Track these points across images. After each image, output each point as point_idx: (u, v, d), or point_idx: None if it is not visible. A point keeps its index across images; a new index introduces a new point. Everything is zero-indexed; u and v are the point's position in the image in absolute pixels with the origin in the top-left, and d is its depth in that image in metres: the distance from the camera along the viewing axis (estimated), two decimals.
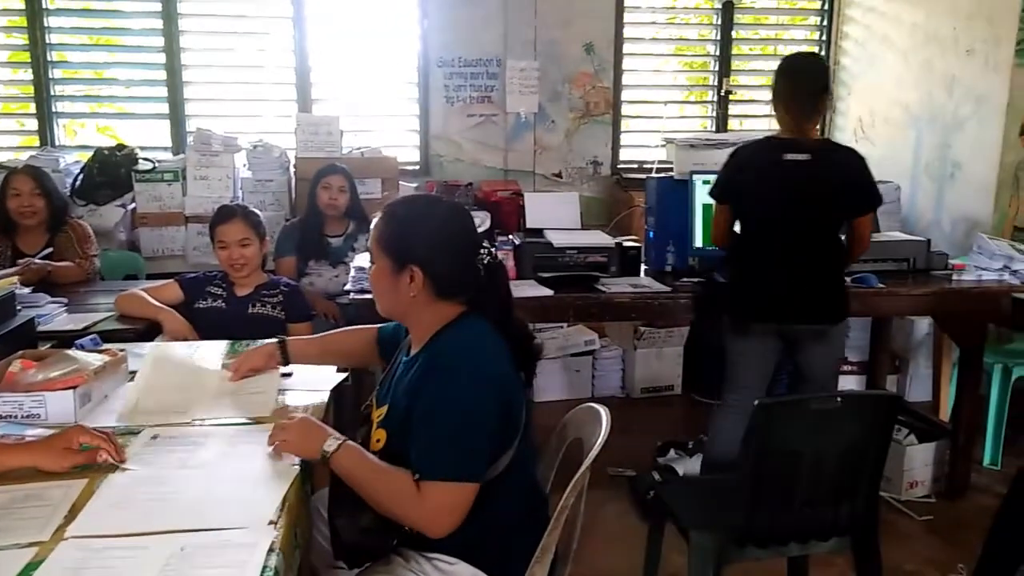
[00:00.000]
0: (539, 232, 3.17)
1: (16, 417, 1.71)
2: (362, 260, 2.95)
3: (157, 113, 4.43)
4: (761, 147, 2.68)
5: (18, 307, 2.26)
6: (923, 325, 4.03)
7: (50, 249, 3.24)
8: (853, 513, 1.99)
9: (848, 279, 2.87)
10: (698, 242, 3.11)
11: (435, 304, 1.60)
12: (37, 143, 4.31)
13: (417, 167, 4.62)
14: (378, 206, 1.72)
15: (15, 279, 2.36)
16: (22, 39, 4.25)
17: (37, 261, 3.12)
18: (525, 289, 2.86)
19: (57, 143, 4.34)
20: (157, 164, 3.99)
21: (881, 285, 2.96)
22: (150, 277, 3.50)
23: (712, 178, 3.09)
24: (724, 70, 4.89)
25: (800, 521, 1.98)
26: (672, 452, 3.22)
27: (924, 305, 3.10)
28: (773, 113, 2.69)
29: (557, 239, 3.06)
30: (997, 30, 3.84)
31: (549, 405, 4.02)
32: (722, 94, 4.90)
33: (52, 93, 4.33)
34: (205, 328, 2.59)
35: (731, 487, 2.00)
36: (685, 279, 3.06)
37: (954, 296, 3.06)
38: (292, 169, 4.06)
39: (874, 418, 1.94)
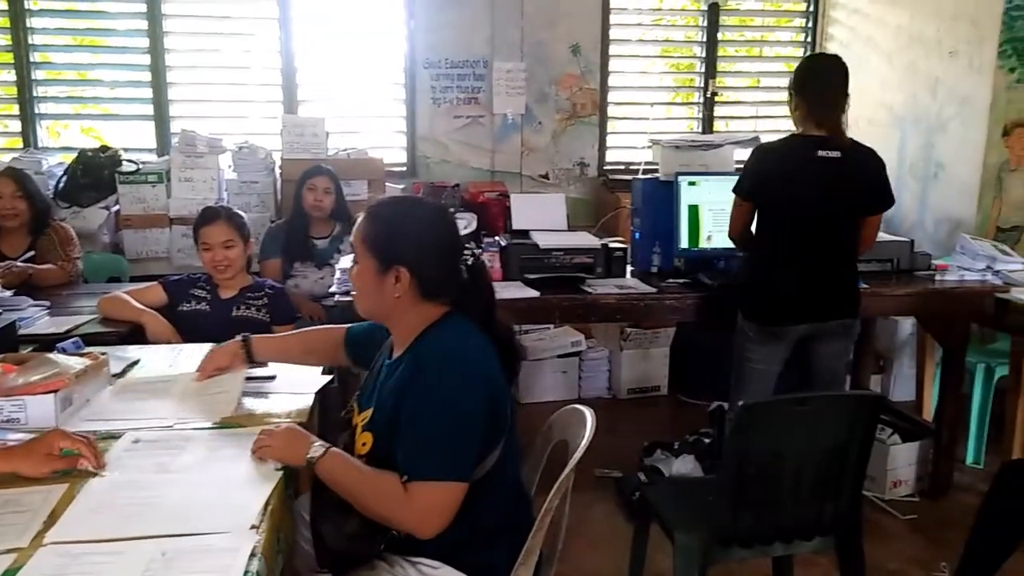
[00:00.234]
0: (525, 234, 3.17)
1: None
2: (347, 262, 2.93)
3: (141, 114, 4.41)
4: (791, 145, 2.68)
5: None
6: (907, 325, 4.06)
7: (32, 252, 3.22)
8: (836, 513, 2.00)
9: None
10: (684, 243, 3.11)
11: (419, 305, 1.59)
12: (20, 145, 4.28)
13: (404, 168, 4.61)
14: (364, 207, 1.71)
15: None
16: (5, 40, 4.22)
17: (19, 264, 3.10)
18: (511, 290, 2.86)
19: (40, 145, 4.30)
20: (141, 166, 3.97)
21: (865, 285, 2.97)
22: (134, 279, 3.48)
23: (698, 179, 3.13)
24: (710, 71, 4.91)
25: (784, 521, 1.99)
26: (658, 453, 3.23)
27: (907, 305, 3.12)
28: (792, 112, 2.68)
29: (543, 240, 3.05)
30: (980, 32, 3.87)
31: (536, 406, 4.03)
32: (708, 95, 4.92)
33: (35, 94, 4.30)
34: (189, 331, 2.57)
35: (716, 488, 2.01)
36: (671, 280, 3.06)
37: (937, 296, 3.08)
38: (278, 170, 4.04)
39: (857, 418, 1.95)
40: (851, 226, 2.69)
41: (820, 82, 2.63)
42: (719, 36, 4.91)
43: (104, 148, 4.06)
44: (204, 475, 1.51)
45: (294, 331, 2.10)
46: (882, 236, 3.43)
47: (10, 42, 4.21)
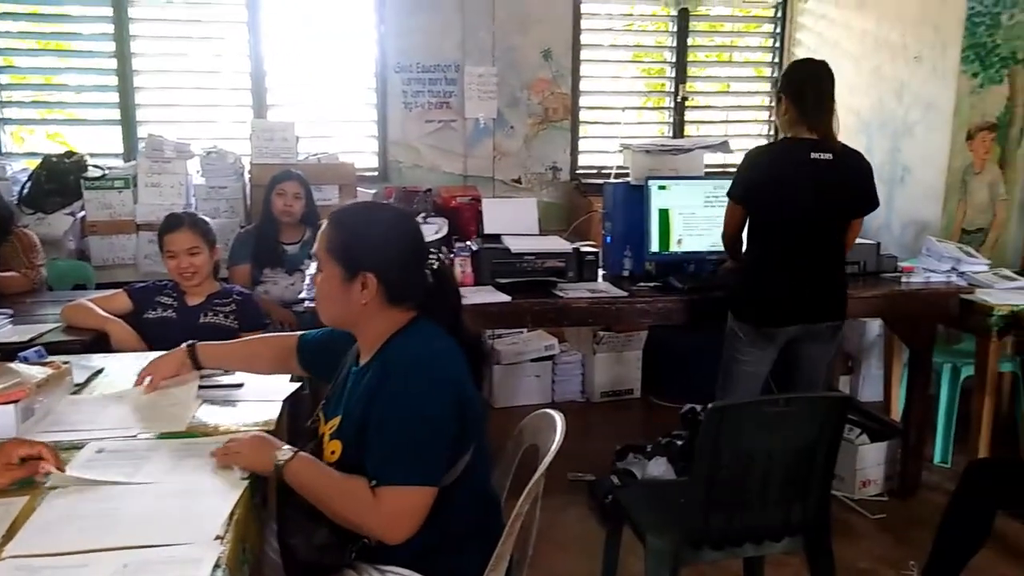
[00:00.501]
0: (497, 238, 3.16)
1: None
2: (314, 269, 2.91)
3: (108, 119, 4.35)
4: (784, 148, 2.72)
5: None
6: (874, 326, 4.11)
7: None
8: (805, 513, 2.02)
9: None
10: (654, 247, 3.13)
11: (386, 311, 1.58)
12: None
13: (375, 173, 4.60)
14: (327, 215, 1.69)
15: None
16: None
17: None
18: (483, 295, 2.86)
19: (4, 150, 4.23)
20: (108, 171, 3.91)
21: None
22: (100, 287, 3.43)
23: (668, 183, 3.15)
24: (680, 76, 4.95)
25: (754, 522, 2.00)
26: (631, 456, 3.23)
27: (874, 307, 3.16)
28: (781, 116, 2.71)
29: (515, 245, 3.05)
30: (943, 37, 3.94)
31: (509, 411, 4.02)
32: (678, 100, 4.95)
33: None
34: (155, 339, 2.53)
35: (687, 490, 2.01)
36: (642, 284, 3.07)
37: (903, 298, 3.12)
38: (247, 175, 4.01)
39: (825, 419, 1.96)
40: (841, 228, 2.73)
41: (812, 85, 2.65)
42: (689, 42, 4.95)
43: (70, 153, 3.99)
44: (169, 485, 1.48)
45: (243, 339, 2.08)
46: None
47: None
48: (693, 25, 4.95)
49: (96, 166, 3.94)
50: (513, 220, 3.31)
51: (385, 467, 1.45)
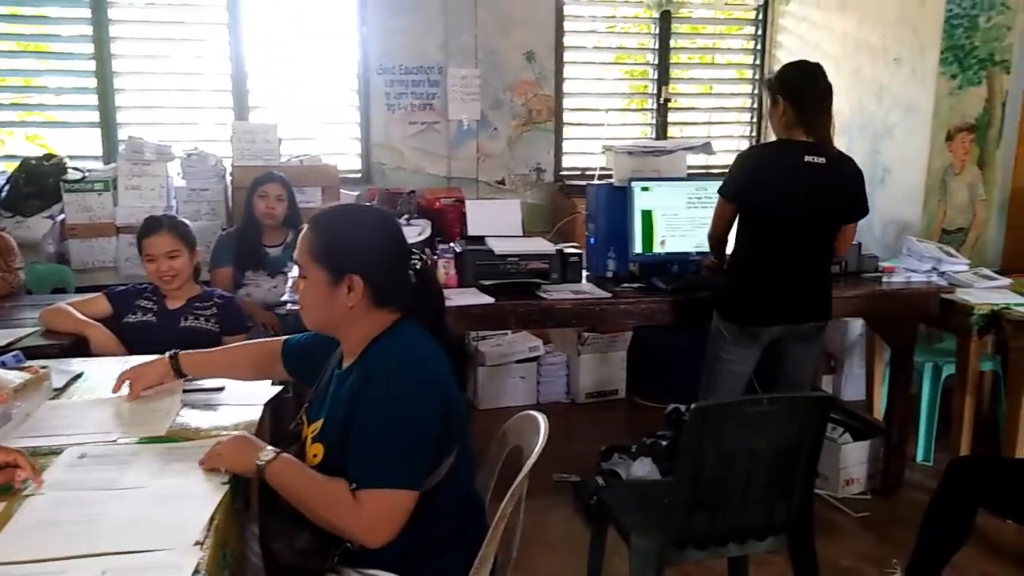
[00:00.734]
0: (480, 240, 3.16)
1: None
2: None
3: (87, 121, 4.31)
4: (779, 150, 2.71)
5: None
6: (857, 326, 4.14)
7: None
8: (789, 512, 2.02)
9: None
10: (638, 248, 3.13)
11: (371, 313, 1.58)
12: None
13: (359, 175, 4.58)
14: (308, 219, 1.68)
15: None
16: None
17: None
18: (467, 297, 2.85)
19: None
20: (87, 173, 3.88)
21: None
22: (80, 290, 3.39)
23: (651, 184, 3.16)
24: (663, 78, 4.96)
25: (738, 522, 2.00)
26: (616, 456, 3.24)
27: (856, 307, 3.18)
28: (778, 118, 2.68)
29: (498, 246, 3.05)
30: (922, 39, 3.97)
31: (494, 412, 4.02)
32: (661, 102, 4.97)
33: None
34: (135, 343, 2.51)
35: (671, 490, 2.02)
36: (626, 285, 3.08)
37: (884, 298, 3.15)
38: (228, 178, 3.98)
39: (807, 418, 1.97)
40: (831, 232, 2.74)
41: (813, 89, 2.64)
42: (671, 43, 4.97)
43: (49, 156, 3.95)
44: (150, 490, 1.47)
45: (227, 346, 2.06)
46: None
47: None
48: (675, 27, 4.97)
49: (76, 168, 3.91)
50: (497, 222, 3.31)
51: (366, 469, 1.44)
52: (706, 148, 3.39)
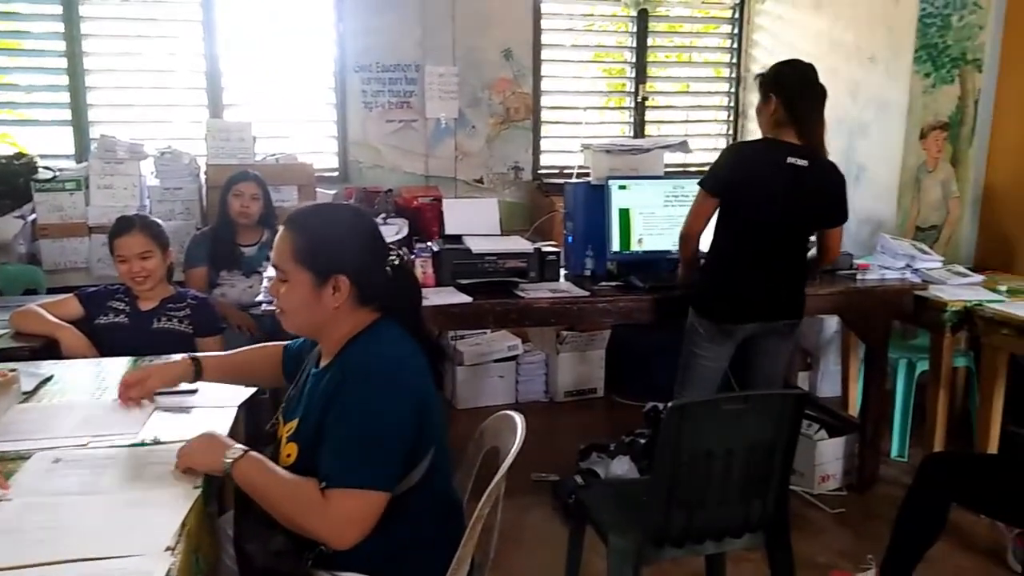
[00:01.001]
0: (458, 239, 3.15)
1: None
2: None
3: (59, 120, 4.24)
4: (764, 148, 2.70)
5: None
6: (832, 323, 4.17)
7: None
8: (765, 509, 2.03)
9: None
10: (615, 246, 3.14)
11: (355, 312, 1.57)
12: None
13: (336, 173, 4.55)
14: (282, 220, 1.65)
15: None
16: None
17: None
18: (444, 296, 2.84)
19: None
20: (58, 173, 3.81)
21: None
22: (52, 291, 3.33)
23: (628, 183, 3.16)
24: (640, 77, 4.97)
25: (714, 519, 2.01)
26: (594, 455, 3.24)
27: (831, 304, 3.20)
28: (768, 116, 2.68)
29: (476, 245, 3.04)
30: (896, 38, 4.01)
31: (473, 411, 4.01)
32: (639, 100, 4.98)
33: None
34: (107, 345, 2.48)
35: (648, 488, 2.02)
36: (604, 283, 3.08)
37: (859, 295, 3.17)
38: (203, 176, 3.93)
39: (783, 416, 1.98)
40: (809, 234, 2.77)
41: (808, 91, 2.64)
42: (649, 42, 4.98)
43: (19, 155, 3.88)
44: (122, 495, 1.45)
45: (238, 350, 1.98)
46: None
47: None
48: (653, 26, 4.97)
49: (47, 167, 3.84)
50: (474, 220, 3.30)
51: (336, 469, 1.43)
52: (683, 147, 3.41)
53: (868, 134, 4.21)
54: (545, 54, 4.79)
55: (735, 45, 5.10)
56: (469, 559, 1.56)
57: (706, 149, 4.99)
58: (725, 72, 5.17)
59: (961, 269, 3.57)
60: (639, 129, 5.02)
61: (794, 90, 2.63)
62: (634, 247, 3.16)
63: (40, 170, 3.81)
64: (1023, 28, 3.92)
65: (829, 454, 3.23)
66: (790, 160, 2.60)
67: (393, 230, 3.16)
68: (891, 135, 4.08)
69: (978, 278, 3.49)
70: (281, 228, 1.59)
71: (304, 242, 1.54)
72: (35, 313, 2.55)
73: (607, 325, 4.18)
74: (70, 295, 2.67)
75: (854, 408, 3.81)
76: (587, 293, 2.98)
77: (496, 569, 1.73)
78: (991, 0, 3.95)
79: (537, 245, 3.16)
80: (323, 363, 1.62)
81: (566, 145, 4.87)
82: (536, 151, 4.84)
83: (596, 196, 3.17)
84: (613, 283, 3.08)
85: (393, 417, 1.47)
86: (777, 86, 2.66)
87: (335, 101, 4.51)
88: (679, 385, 2.85)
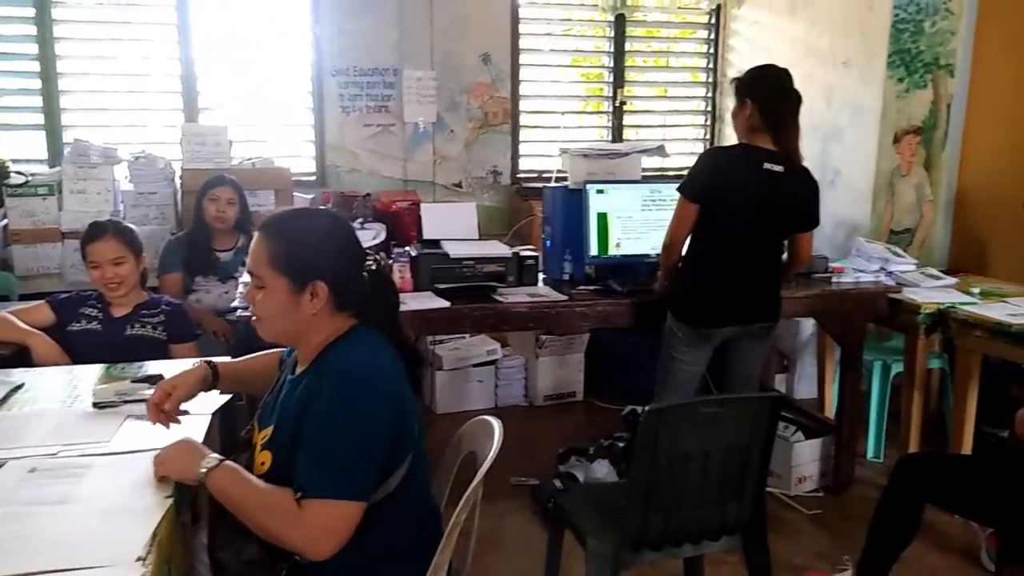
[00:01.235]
0: (436, 243, 3.14)
1: None
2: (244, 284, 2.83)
3: (31, 124, 4.18)
4: (741, 153, 2.70)
5: None
6: (808, 326, 4.20)
7: None
8: (742, 512, 2.04)
9: None
10: (593, 250, 3.14)
11: (332, 319, 1.56)
12: None
13: (313, 178, 4.52)
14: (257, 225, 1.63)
15: None
16: None
17: None
18: (422, 301, 2.83)
19: None
20: (31, 177, 3.75)
21: None
22: (24, 298, 3.28)
23: (606, 187, 3.17)
24: (618, 81, 4.99)
25: (692, 522, 2.02)
26: (573, 459, 3.24)
27: (807, 307, 3.23)
28: (743, 120, 2.69)
29: (454, 250, 3.04)
30: (870, 43, 4.05)
31: (452, 416, 3.99)
32: (617, 105, 5.00)
33: None
34: (79, 352, 2.44)
35: (626, 492, 2.02)
36: (582, 287, 3.09)
37: (834, 298, 3.20)
38: (178, 181, 3.90)
39: (758, 419, 1.99)
40: (783, 238, 2.79)
41: (784, 98, 2.65)
42: (626, 47, 5.00)
43: None
44: (93, 505, 1.43)
45: (246, 357, 1.90)
46: None
47: None
48: (630, 31, 4.99)
49: (19, 172, 3.78)
50: (452, 225, 3.30)
51: (312, 479, 1.41)
52: (660, 151, 3.42)
53: (843, 138, 4.25)
54: (523, 58, 4.80)
55: (712, 50, 5.13)
56: (446, 566, 1.55)
57: (683, 153, 5.01)
58: (702, 77, 5.20)
59: (934, 272, 3.61)
60: (617, 133, 5.04)
61: (769, 96, 2.65)
62: (612, 251, 3.16)
63: (12, 175, 3.75)
64: (994, 33, 3.99)
65: (806, 456, 3.26)
66: (766, 166, 2.62)
67: (370, 235, 3.14)
68: (865, 139, 4.12)
69: (951, 281, 3.53)
70: (256, 234, 1.57)
71: (281, 248, 1.53)
72: (6, 320, 2.51)
73: (585, 329, 4.19)
74: (42, 302, 2.64)
75: (830, 410, 3.83)
76: (565, 297, 2.98)
77: (475, 575, 1.72)
78: (963, 6, 4.00)
79: (515, 249, 3.16)
80: (299, 370, 1.60)
81: (545, 149, 4.87)
82: (515, 155, 4.84)
83: (574, 200, 3.17)
84: (591, 287, 3.08)
85: (370, 424, 1.45)
86: (752, 91, 2.67)
87: (312, 105, 4.48)
88: (659, 389, 2.86)
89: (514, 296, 2.94)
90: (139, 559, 1.23)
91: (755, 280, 2.75)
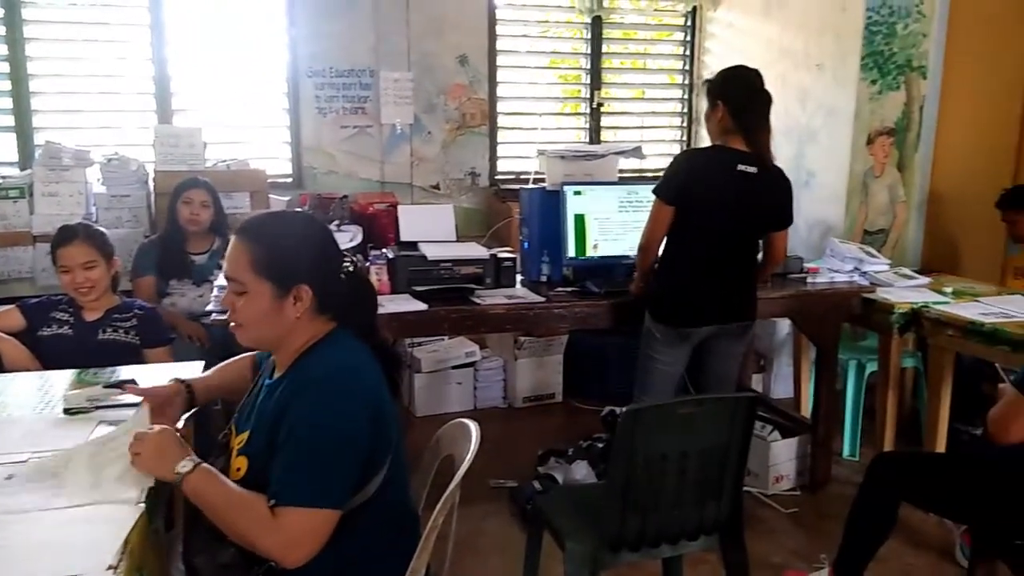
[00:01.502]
0: (413, 245, 3.13)
1: None
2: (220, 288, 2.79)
3: (2, 125, 4.11)
4: (714, 156, 2.71)
5: None
6: (785, 326, 4.24)
7: None
8: (719, 511, 2.05)
9: None
10: (571, 252, 3.14)
11: (313, 322, 1.55)
12: None
13: (290, 179, 4.49)
14: (234, 230, 1.60)
15: None
16: None
17: None
18: (399, 303, 2.82)
19: None
20: (1, 180, 3.70)
21: None
22: None
23: (583, 188, 3.17)
24: (595, 83, 5.00)
25: (670, 523, 2.02)
26: (552, 460, 3.24)
27: (783, 307, 3.25)
28: (716, 123, 2.69)
29: (431, 252, 3.02)
30: (843, 46, 4.09)
31: (432, 419, 3.98)
32: (594, 106, 5.01)
33: None
34: (50, 357, 2.41)
35: (604, 494, 2.02)
36: (560, 289, 3.09)
37: (809, 298, 3.22)
38: (151, 183, 3.85)
39: (735, 419, 2.00)
40: (759, 238, 2.81)
41: (755, 99, 2.67)
42: (603, 49, 5.01)
43: None
44: (63, 513, 1.40)
45: (216, 368, 1.88)
46: None
47: None
48: (607, 33, 5.01)
49: None
50: (430, 227, 3.29)
51: (287, 486, 1.40)
52: (636, 152, 3.43)
53: (817, 140, 4.29)
54: (500, 60, 4.80)
55: (688, 52, 5.16)
56: (423, 570, 1.54)
57: (660, 155, 5.03)
58: (678, 79, 5.23)
59: (908, 272, 3.65)
60: (595, 135, 5.05)
61: (740, 97, 2.67)
62: (590, 253, 3.17)
63: None
64: (966, 35, 4.05)
65: (782, 455, 3.28)
66: (740, 167, 2.64)
67: (347, 237, 3.13)
68: (839, 141, 4.16)
69: (924, 280, 3.57)
70: (234, 238, 1.54)
71: (263, 253, 1.50)
72: None
73: (564, 331, 4.19)
74: (12, 306, 2.60)
75: (806, 409, 3.86)
76: (543, 299, 2.98)
77: None
78: (935, 8, 4.05)
79: (493, 251, 3.15)
80: (277, 374, 1.59)
81: (522, 151, 4.88)
82: (492, 157, 4.84)
83: (551, 202, 3.17)
84: (569, 289, 3.09)
85: (347, 429, 1.44)
86: (724, 94, 2.69)
87: (288, 106, 4.46)
88: (638, 389, 2.87)
89: (492, 298, 2.94)
90: (110, 568, 1.21)
91: (731, 280, 2.77)
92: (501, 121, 4.86)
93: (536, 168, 3.65)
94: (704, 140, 5.01)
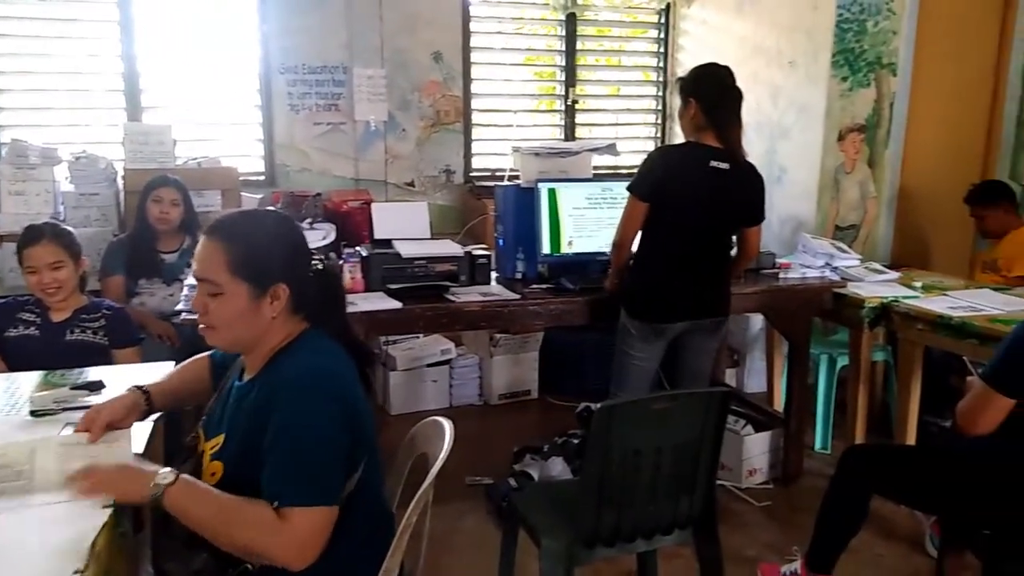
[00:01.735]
0: (387, 243, 3.12)
1: None
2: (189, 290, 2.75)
3: None
4: (688, 152, 2.73)
5: None
6: (757, 321, 4.28)
7: None
8: (693, 506, 2.07)
9: None
10: (546, 249, 3.15)
11: (287, 322, 1.53)
12: None
13: (262, 177, 4.45)
14: (204, 231, 1.57)
15: None
16: None
17: None
18: (373, 301, 2.81)
19: None
20: None
21: None
22: None
23: (557, 185, 3.17)
24: (570, 80, 5.01)
25: (644, 518, 2.03)
26: (528, 457, 3.24)
27: (755, 303, 3.28)
28: (689, 119, 2.71)
29: (405, 250, 3.01)
30: (815, 43, 4.13)
31: (407, 417, 3.96)
32: (569, 103, 5.01)
33: None
34: (17, 358, 2.37)
35: (578, 490, 2.03)
36: (535, 286, 3.09)
37: (781, 294, 3.26)
38: (120, 181, 3.80)
39: (709, 413, 2.02)
40: (732, 234, 2.84)
41: (726, 96, 2.69)
42: (578, 45, 5.02)
43: None
44: (28, 515, 1.38)
45: (171, 373, 1.85)
46: None
47: None
48: (581, 29, 5.02)
49: None
50: (404, 224, 3.27)
51: (287, 487, 1.38)
52: (611, 149, 3.44)
53: (789, 137, 4.33)
54: (475, 56, 4.78)
55: (662, 49, 5.18)
56: (397, 569, 1.54)
57: (635, 151, 5.05)
58: (653, 76, 5.25)
59: (878, 267, 3.70)
60: (570, 132, 5.06)
61: (711, 94, 2.69)
62: (564, 249, 3.17)
63: None
64: (935, 33, 4.10)
65: (756, 448, 3.31)
66: (713, 164, 2.65)
67: (320, 235, 3.11)
68: (810, 137, 4.20)
69: (894, 275, 3.62)
70: (204, 238, 1.51)
71: (238, 252, 1.48)
72: None
73: (539, 328, 4.20)
74: None
75: (779, 403, 3.90)
76: (518, 296, 2.98)
77: (429, 575, 1.71)
78: (904, 6, 4.10)
79: (468, 248, 3.15)
80: (247, 376, 1.57)
81: (497, 148, 4.87)
82: (467, 154, 4.83)
83: (526, 199, 3.17)
84: (544, 285, 3.09)
85: (330, 429, 1.43)
86: (695, 91, 2.72)
87: (260, 103, 4.41)
88: (614, 385, 2.89)
89: (466, 295, 2.93)
90: (77, 572, 1.20)
91: (704, 276, 2.79)
92: (476, 118, 4.85)
93: (511, 165, 3.64)
94: (679, 136, 5.06)
